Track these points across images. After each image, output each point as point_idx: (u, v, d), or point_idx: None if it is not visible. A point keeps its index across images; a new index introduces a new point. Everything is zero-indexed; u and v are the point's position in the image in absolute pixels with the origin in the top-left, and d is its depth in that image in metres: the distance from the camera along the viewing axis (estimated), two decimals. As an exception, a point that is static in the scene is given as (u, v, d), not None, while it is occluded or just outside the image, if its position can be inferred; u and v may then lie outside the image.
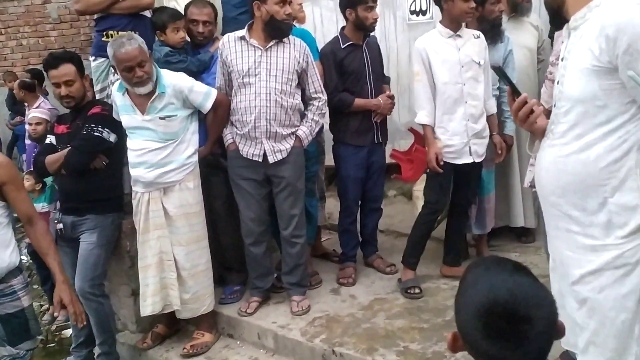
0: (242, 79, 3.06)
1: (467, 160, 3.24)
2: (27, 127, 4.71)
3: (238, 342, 3.31)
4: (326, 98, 3.24)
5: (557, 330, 1.07)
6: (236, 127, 3.15)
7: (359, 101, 3.41)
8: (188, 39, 3.39)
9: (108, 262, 3.26)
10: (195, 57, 3.33)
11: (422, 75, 3.20)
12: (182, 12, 3.37)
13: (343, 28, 3.51)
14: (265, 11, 2.99)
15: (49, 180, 3.81)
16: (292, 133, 3.15)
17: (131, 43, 2.84)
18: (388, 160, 3.69)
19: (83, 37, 8.05)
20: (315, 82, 3.19)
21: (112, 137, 3.12)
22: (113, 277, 3.44)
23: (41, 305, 4.56)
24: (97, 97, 3.46)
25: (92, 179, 3.12)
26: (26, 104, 5.58)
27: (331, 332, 3.03)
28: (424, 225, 3.36)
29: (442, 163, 3.20)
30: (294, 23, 3.47)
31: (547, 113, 1.85)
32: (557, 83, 1.78)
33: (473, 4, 3.09)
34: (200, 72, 3.29)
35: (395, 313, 3.16)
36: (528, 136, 1.99)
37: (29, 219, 2.41)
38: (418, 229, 3.38)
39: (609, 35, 1.54)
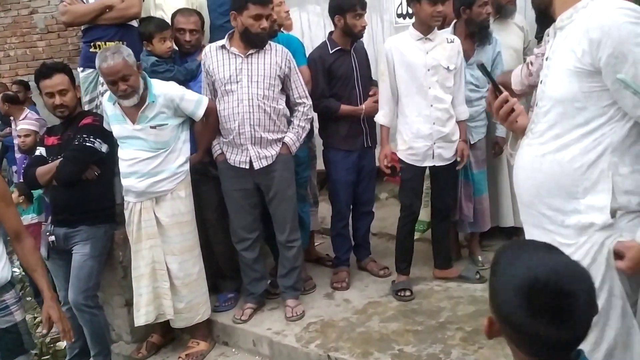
0: (225, 86, 3.08)
1: (429, 163, 3.27)
2: (15, 139, 4.68)
3: (233, 350, 3.32)
4: (311, 103, 3.26)
5: (595, 305, 1.08)
6: (222, 136, 3.17)
7: (345, 108, 3.43)
8: (176, 47, 3.39)
9: (101, 273, 3.25)
10: (182, 66, 3.33)
11: (386, 76, 3.24)
12: (170, 22, 3.38)
13: (331, 33, 3.53)
14: (240, 22, 3.02)
15: (36, 192, 3.79)
16: (279, 139, 3.16)
17: (114, 57, 2.83)
18: (379, 163, 3.71)
19: (71, 47, 8.02)
20: (299, 87, 3.20)
21: (104, 148, 3.12)
22: (106, 287, 3.43)
23: (35, 318, 4.53)
24: (86, 108, 3.46)
25: (83, 190, 3.12)
26: (12, 117, 5.54)
27: (326, 337, 3.04)
28: (404, 228, 3.41)
29: (390, 165, 3.31)
30: (281, 30, 3.50)
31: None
32: (541, 83, 1.79)
33: (440, 8, 3.11)
34: (187, 80, 3.30)
35: (389, 316, 3.17)
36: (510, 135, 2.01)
37: (17, 235, 2.40)
38: (400, 234, 3.42)
39: (593, 38, 1.55)
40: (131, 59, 2.89)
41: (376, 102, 3.41)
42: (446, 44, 3.23)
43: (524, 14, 3.94)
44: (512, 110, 1.79)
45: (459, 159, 3.34)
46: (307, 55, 3.56)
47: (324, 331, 3.10)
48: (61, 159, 3.08)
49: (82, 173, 3.10)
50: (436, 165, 3.28)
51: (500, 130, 3.52)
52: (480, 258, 3.69)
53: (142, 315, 3.08)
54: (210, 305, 3.31)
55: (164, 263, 3.07)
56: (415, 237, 3.61)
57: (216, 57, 3.11)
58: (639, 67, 1.50)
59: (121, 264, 3.37)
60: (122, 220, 3.19)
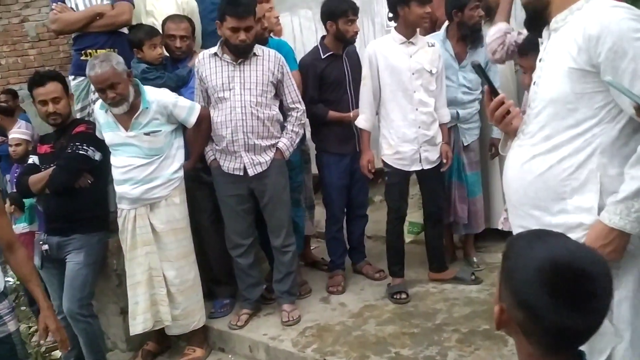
0: (217, 94, 3.08)
1: (416, 167, 3.27)
2: (9, 149, 4.65)
3: (230, 356, 3.30)
4: (304, 108, 3.26)
5: (612, 293, 1.06)
6: (215, 143, 3.17)
7: (332, 114, 3.43)
8: (167, 54, 3.39)
9: (95, 281, 3.23)
10: (173, 73, 3.33)
11: (367, 80, 3.24)
12: (160, 28, 3.37)
13: (323, 38, 3.53)
14: (221, 32, 3.03)
15: (28, 200, 3.77)
16: (272, 145, 3.16)
17: (102, 65, 2.84)
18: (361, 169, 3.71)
19: (62, 55, 7.99)
20: (292, 92, 3.20)
21: (97, 156, 3.11)
22: (101, 296, 3.41)
23: (30, 327, 4.51)
24: (78, 116, 3.44)
25: (77, 198, 3.10)
26: (5, 128, 5.50)
27: (322, 341, 3.03)
28: (394, 231, 3.42)
29: (373, 170, 3.33)
30: (271, 35, 3.50)
31: None
32: (534, 84, 1.79)
33: (429, 9, 3.14)
34: (178, 87, 3.29)
35: (385, 319, 3.17)
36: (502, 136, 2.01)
37: (9, 246, 2.38)
38: (390, 237, 3.43)
39: (591, 34, 1.55)
40: (120, 67, 2.89)
41: None
42: (428, 48, 3.26)
43: (514, 16, 3.95)
44: (508, 112, 1.80)
45: (444, 161, 3.35)
46: (297, 60, 3.56)
47: (321, 335, 3.09)
48: (54, 167, 3.06)
49: (75, 181, 3.08)
50: (424, 168, 3.29)
51: (496, 132, 3.53)
52: (475, 259, 3.70)
53: (140, 324, 3.06)
54: (205, 312, 3.30)
55: (160, 269, 3.06)
56: (410, 240, 3.63)
57: (209, 65, 3.11)
58: (639, 61, 1.51)
59: (115, 272, 3.35)
60: (116, 228, 3.17)
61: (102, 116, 3.03)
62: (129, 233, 3.05)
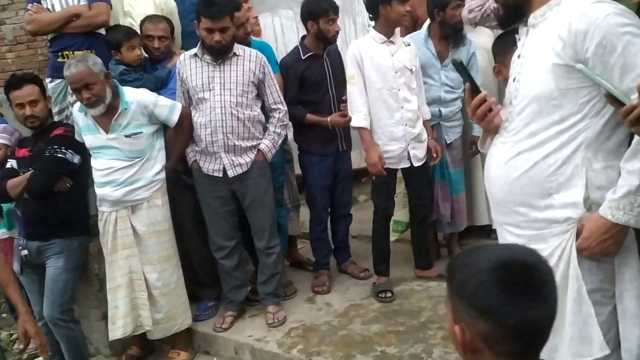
0: (198, 94, 3.06)
1: (405, 165, 3.28)
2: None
3: (215, 359, 3.28)
4: (286, 109, 3.24)
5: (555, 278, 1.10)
6: (195, 144, 3.15)
7: (310, 117, 3.41)
8: (146, 55, 3.35)
9: (76, 286, 3.19)
10: (152, 75, 3.30)
11: (357, 79, 3.23)
12: (138, 29, 3.34)
13: (303, 37, 3.52)
14: (199, 32, 3.01)
15: (6, 205, 3.70)
16: (254, 146, 3.14)
17: (78, 65, 2.82)
18: (356, 166, 3.72)
19: (41, 58, 7.88)
20: (274, 92, 3.18)
21: (76, 159, 3.08)
22: (83, 301, 3.37)
23: (11, 334, 4.43)
24: (56, 118, 3.39)
25: (56, 202, 3.06)
26: None
27: (308, 341, 3.02)
28: (381, 230, 3.42)
29: (384, 167, 3.24)
30: (251, 36, 3.48)
31: None
32: (514, 80, 1.78)
33: (408, 7, 3.18)
34: (158, 88, 3.26)
35: (371, 318, 3.17)
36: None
37: None
38: (377, 235, 3.43)
39: (578, 29, 1.55)
40: (97, 68, 2.86)
41: (342, 115, 3.38)
42: (405, 47, 3.29)
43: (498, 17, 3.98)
44: (490, 110, 1.79)
45: (434, 155, 3.37)
46: (279, 62, 3.54)
47: (306, 336, 3.08)
48: (32, 171, 3.02)
49: (54, 185, 3.04)
50: (413, 166, 3.29)
51: (477, 130, 3.54)
52: (459, 256, 3.71)
53: (119, 328, 3.03)
54: (190, 314, 3.27)
55: (141, 273, 3.03)
56: (395, 238, 3.63)
57: (190, 65, 3.09)
58: (628, 56, 1.51)
59: (97, 277, 3.32)
60: (97, 232, 3.14)
61: (81, 119, 3.00)
62: (109, 236, 3.02)
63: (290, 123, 3.48)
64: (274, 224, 3.27)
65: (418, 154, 3.30)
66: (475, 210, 3.83)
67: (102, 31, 3.40)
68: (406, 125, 3.23)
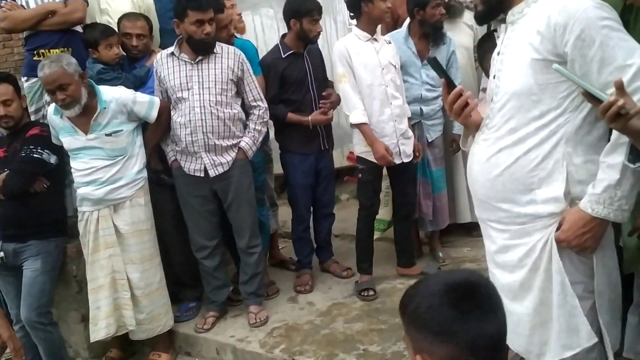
0: (176, 94, 3.04)
1: (397, 161, 3.29)
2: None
3: (196, 360, 3.26)
4: (266, 106, 3.23)
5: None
6: (175, 143, 3.12)
7: (291, 116, 3.40)
8: (124, 53, 3.31)
9: (54, 288, 3.15)
10: (131, 73, 3.26)
11: (348, 76, 3.23)
12: (115, 27, 3.29)
13: (284, 36, 3.50)
14: (183, 30, 2.97)
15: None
16: (234, 145, 3.11)
17: (52, 66, 2.77)
18: (338, 164, 3.71)
19: (17, 57, 7.74)
20: (254, 89, 3.16)
21: (53, 159, 3.04)
22: (61, 303, 3.32)
23: (-13, 339, 4.35)
24: (33, 118, 3.34)
25: (32, 203, 3.02)
26: None
27: (290, 341, 3.01)
28: (365, 228, 3.43)
29: (392, 156, 3.24)
30: (235, 33, 3.45)
31: None
32: (494, 77, 1.79)
33: (389, 4, 3.21)
34: (136, 87, 3.21)
35: (353, 317, 3.17)
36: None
37: None
38: (360, 234, 3.44)
39: (557, 22, 1.55)
40: (71, 68, 2.81)
41: (323, 113, 3.39)
42: (387, 45, 3.32)
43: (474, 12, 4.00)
44: (466, 104, 1.79)
45: (416, 154, 3.39)
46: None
47: (289, 335, 3.07)
48: (8, 171, 2.97)
49: (30, 185, 3.00)
50: (403, 162, 3.31)
51: (458, 128, 3.56)
52: (441, 254, 3.74)
53: (102, 329, 2.99)
54: (172, 315, 3.24)
55: (124, 272, 3.00)
56: (377, 237, 3.63)
57: (167, 65, 3.06)
58: (606, 49, 1.52)
59: (75, 279, 3.26)
60: (75, 233, 3.10)
61: (57, 122, 2.96)
62: (91, 235, 2.98)
63: (272, 122, 3.47)
64: (255, 223, 3.25)
65: (407, 150, 3.33)
66: (457, 207, 3.85)
67: (79, 28, 3.34)
68: (395, 121, 3.25)
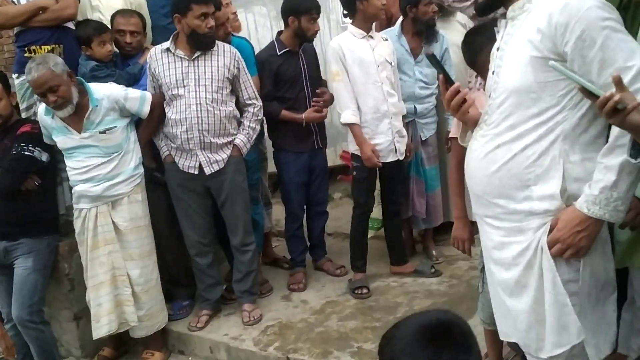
0: (172, 91, 3.02)
1: (393, 158, 3.30)
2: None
3: (190, 358, 3.25)
4: (261, 104, 3.22)
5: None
6: (170, 140, 3.09)
7: (285, 114, 3.40)
8: (117, 50, 3.29)
9: (46, 287, 3.12)
10: (125, 71, 3.24)
11: (342, 75, 3.23)
12: (107, 24, 3.26)
13: (279, 33, 3.49)
14: (186, 25, 2.95)
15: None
16: (229, 142, 3.10)
17: (38, 69, 2.73)
18: (331, 163, 3.71)
19: (7, 55, 7.66)
20: (249, 87, 3.16)
21: (44, 157, 3.01)
22: (53, 302, 3.29)
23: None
24: (24, 115, 3.31)
25: (24, 201, 2.99)
26: None
27: (284, 339, 3.01)
28: (359, 226, 3.44)
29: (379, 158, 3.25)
30: (232, 32, 3.44)
31: None
32: (493, 73, 1.78)
33: (384, 1, 3.21)
34: (130, 85, 3.19)
35: (347, 314, 3.17)
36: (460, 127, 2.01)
37: None
38: (354, 232, 3.44)
39: (559, 21, 1.54)
40: (59, 69, 2.78)
41: (317, 111, 3.39)
42: (383, 42, 3.32)
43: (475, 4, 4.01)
44: (464, 101, 1.80)
45: (408, 154, 3.41)
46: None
47: (283, 333, 3.07)
48: (-1, 169, 2.94)
49: (22, 183, 2.97)
50: (399, 159, 3.32)
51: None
52: (434, 252, 3.74)
53: (104, 326, 2.97)
54: (166, 313, 3.24)
55: (124, 269, 3.00)
56: (370, 235, 3.63)
57: (162, 61, 3.03)
58: (606, 51, 1.51)
59: (67, 277, 3.24)
60: (67, 231, 3.08)
61: (49, 122, 2.93)
62: (89, 232, 2.97)
63: (265, 119, 3.46)
64: (249, 221, 3.25)
65: (401, 148, 3.34)
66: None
67: (71, 25, 3.30)
68: (391, 118, 3.26)
